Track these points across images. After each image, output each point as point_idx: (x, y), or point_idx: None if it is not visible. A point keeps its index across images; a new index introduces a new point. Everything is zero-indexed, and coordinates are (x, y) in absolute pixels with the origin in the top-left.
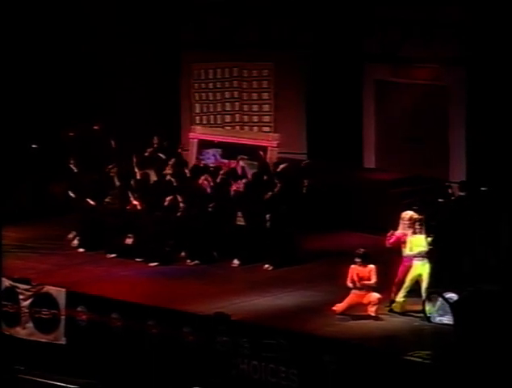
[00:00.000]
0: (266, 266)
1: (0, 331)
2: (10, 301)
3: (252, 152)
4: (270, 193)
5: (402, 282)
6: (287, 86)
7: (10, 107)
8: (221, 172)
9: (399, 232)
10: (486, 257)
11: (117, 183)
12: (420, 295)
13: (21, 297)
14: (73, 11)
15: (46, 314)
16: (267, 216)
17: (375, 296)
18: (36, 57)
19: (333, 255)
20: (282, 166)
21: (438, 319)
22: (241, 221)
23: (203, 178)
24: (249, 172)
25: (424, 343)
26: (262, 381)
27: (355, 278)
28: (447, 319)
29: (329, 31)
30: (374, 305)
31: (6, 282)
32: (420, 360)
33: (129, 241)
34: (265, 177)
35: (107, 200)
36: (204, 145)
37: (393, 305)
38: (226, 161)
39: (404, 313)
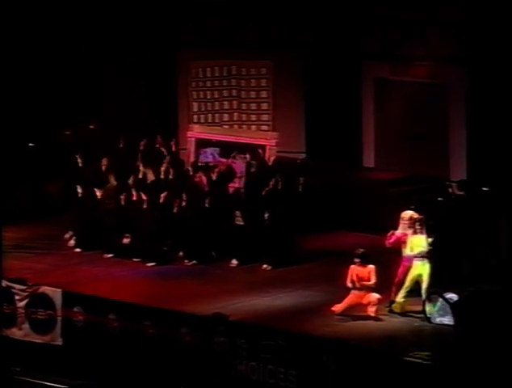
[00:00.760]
0: (265, 266)
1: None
2: (6, 301)
3: (250, 151)
4: (266, 189)
5: (402, 282)
6: (285, 84)
7: (7, 105)
8: (216, 170)
9: (399, 232)
10: (486, 257)
11: (112, 181)
12: (420, 295)
13: (17, 297)
14: (73, 11)
15: (42, 315)
16: (266, 215)
17: (375, 296)
18: (35, 57)
19: (332, 255)
20: (272, 158)
21: (438, 320)
22: (239, 221)
23: (198, 175)
24: (244, 168)
25: (424, 343)
26: (260, 382)
27: (355, 278)
28: (448, 320)
29: (328, 29)
30: (373, 305)
31: (2, 282)
32: (420, 361)
33: (126, 241)
34: (263, 176)
35: (98, 194)
36: (202, 143)
37: (393, 305)
38: (224, 160)
39: (404, 313)
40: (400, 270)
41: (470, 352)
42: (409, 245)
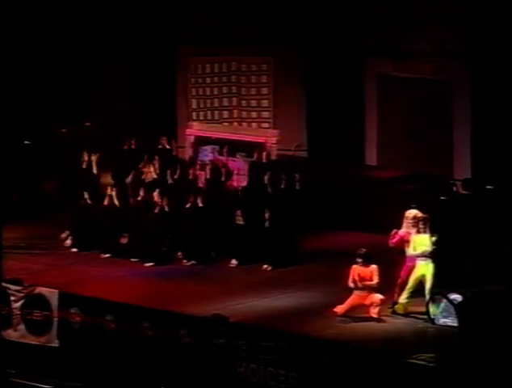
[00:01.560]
0: (265, 266)
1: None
2: (1, 302)
3: (251, 148)
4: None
5: (405, 283)
6: (286, 80)
7: (3, 103)
8: (209, 167)
9: (402, 231)
10: (490, 256)
11: (111, 181)
12: (423, 296)
13: (12, 298)
14: (73, 10)
15: (38, 316)
16: (266, 214)
17: (378, 297)
18: (34, 55)
19: (333, 255)
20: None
21: (442, 321)
22: (239, 220)
23: (192, 173)
24: (244, 167)
25: (428, 345)
26: (261, 385)
27: (357, 278)
28: (451, 321)
29: (329, 25)
30: (376, 306)
31: None
32: (423, 363)
33: (124, 241)
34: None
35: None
36: (201, 141)
37: (396, 306)
38: (223, 157)
39: (407, 314)
40: (404, 270)
41: (474, 353)
42: (412, 244)
